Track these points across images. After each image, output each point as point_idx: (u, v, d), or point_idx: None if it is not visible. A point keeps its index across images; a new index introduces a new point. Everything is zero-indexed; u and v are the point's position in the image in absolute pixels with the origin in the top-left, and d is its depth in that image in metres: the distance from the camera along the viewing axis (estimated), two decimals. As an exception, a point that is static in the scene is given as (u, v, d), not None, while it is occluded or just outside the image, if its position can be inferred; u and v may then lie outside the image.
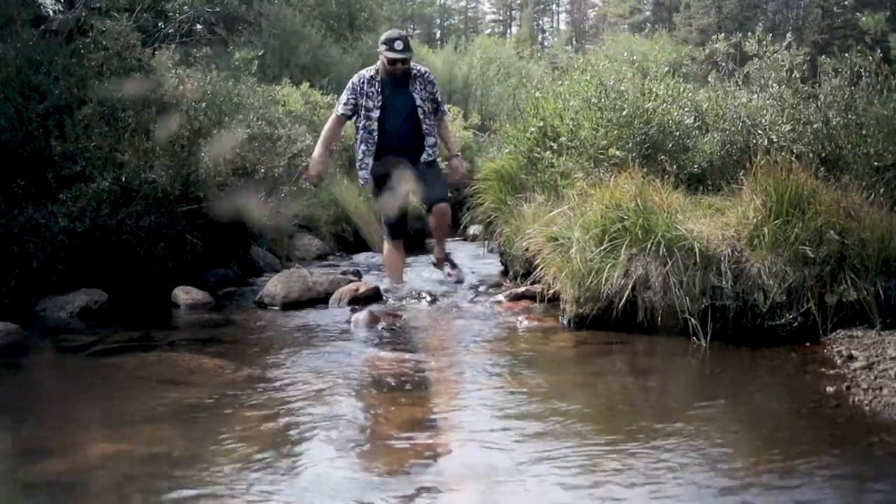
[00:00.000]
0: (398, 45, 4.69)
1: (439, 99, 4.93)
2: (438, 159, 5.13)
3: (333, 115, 4.92)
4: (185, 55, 5.79)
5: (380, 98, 4.76)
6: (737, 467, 2.25)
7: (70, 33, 5.27)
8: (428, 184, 4.79)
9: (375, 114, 4.75)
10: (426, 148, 4.85)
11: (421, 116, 4.81)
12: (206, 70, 5.72)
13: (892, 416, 2.62)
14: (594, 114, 4.88)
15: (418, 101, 4.80)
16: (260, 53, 6.96)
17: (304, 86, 9.65)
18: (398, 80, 4.75)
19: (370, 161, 4.80)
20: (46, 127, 4.72)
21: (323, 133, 4.91)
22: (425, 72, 4.91)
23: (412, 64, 4.86)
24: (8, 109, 4.60)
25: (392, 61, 4.70)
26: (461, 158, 4.99)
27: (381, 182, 4.80)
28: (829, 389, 2.88)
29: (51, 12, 5.88)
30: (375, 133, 4.76)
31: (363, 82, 4.79)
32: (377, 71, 4.79)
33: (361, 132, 4.81)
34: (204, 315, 4.45)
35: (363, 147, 4.81)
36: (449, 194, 5.05)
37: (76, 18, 5.23)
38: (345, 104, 4.82)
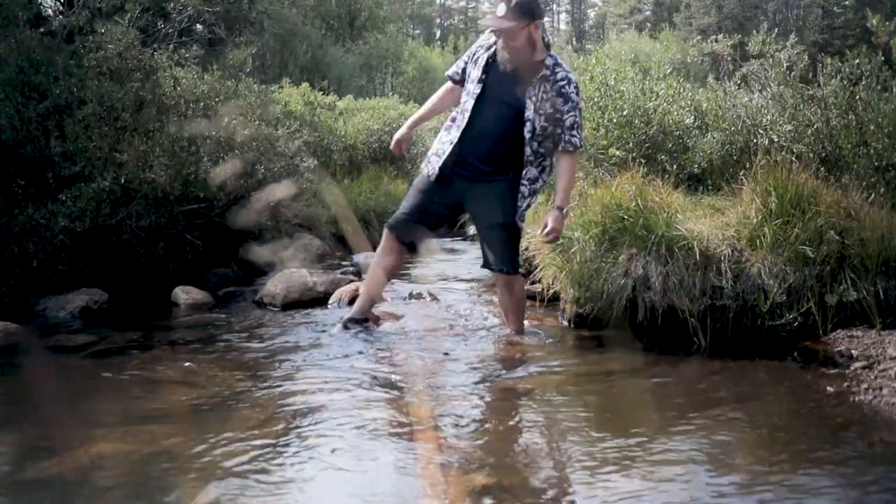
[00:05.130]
0: (499, 7, 3.33)
1: (571, 123, 3.40)
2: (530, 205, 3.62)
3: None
4: (182, 55, 5.79)
5: (484, 75, 3.48)
6: (737, 467, 2.25)
7: (70, 34, 5.27)
8: (488, 241, 3.61)
9: (475, 88, 3.48)
10: (522, 184, 3.47)
11: (527, 135, 3.40)
12: (203, 70, 5.72)
13: (892, 416, 2.62)
14: (594, 114, 4.88)
15: (529, 113, 3.37)
16: (253, 51, 6.94)
17: (304, 86, 9.66)
18: (513, 67, 3.40)
19: (446, 151, 3.54)
20: (46, 127, 4.72)
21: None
22: (565, 79, 3.39)
23: (555, 58, 3.43)
24: (8, 109, 4.60)
25: (494, 31, 3.42)
26: (563, 215, 3.44)
27: (427, 194, 3.64)
28: (830, 389, 2.88)
29: (51, 13, 5.89)
30: (468, 115, 3.49)
31: (479, 46, 3.57)
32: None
33: (454, 112, 3.62)
34: (204, 315, 4.44)
35: (444, 129, 3.65)
36: (517, 263, 3.69)
37: (76, 20, 5.23)
38: (456, 64, 3.69)
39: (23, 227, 4.39)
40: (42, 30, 5.33)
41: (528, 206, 3.57)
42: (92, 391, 3.04)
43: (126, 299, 4.64)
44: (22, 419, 2.72)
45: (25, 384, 3.23)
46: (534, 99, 3.37)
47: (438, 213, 3.71)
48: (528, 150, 3.43)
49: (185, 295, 4.71)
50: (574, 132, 3.42)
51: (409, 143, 3.82)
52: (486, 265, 3.66)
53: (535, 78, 3.38)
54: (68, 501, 2.11)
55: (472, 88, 3.50)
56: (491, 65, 3.48)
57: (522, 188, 3.49)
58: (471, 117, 3.48)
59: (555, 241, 3.54)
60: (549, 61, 3.41)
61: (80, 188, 4.58)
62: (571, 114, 3.39)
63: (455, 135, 3.52)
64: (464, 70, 3.60)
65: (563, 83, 3.39)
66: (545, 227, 3.42)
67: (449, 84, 3.71)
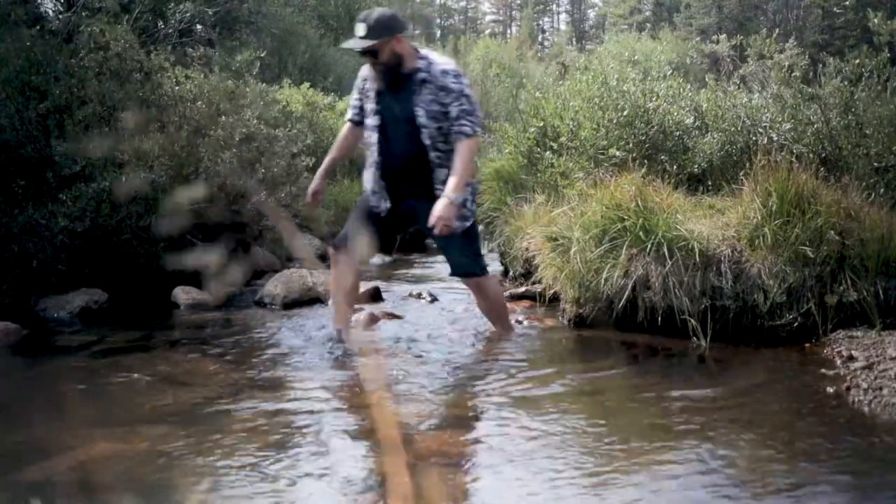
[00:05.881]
0: (358, 28, 3.32)
1: (458, 113, 3.32)
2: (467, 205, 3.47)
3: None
4: (183, 56, 5.79)
5: (378, 105, 3.47)
6: (737, 467, 2.25)
7: (69, 34, 5.27)
8: (447, 251, 3.60)
9: (373, 121, 3.49)
10: (437, 189, 3.38)
11: (427, 141, 3.36)
12: (205, 71, 5.72)
13: (892, 416, 2.62)
14: (595, 113, 4.87)
15: (421, 119, 3.34)
16: (262, 54, 6.94)
17: (305, 86, 9.66)
18: (396, 80, 3.38)
19: (378, 190, 3.52)
20: (46, 127, 4.72)
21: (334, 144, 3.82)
22: (441, 72, 3.35)
23: (429, 59, 3.41)
24: (8, 109, 4.60)
25: (359, 52, 3.39)
26: (451, 203, 3.21)
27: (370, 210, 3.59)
28: (829, 389, 2.88)
29: (50, 13, 5.89)
30: (375, 151, 3.50)
31: (363, 79, 3.55)
32: None
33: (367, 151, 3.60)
34: (204, 315, 4.44)
35: (367, 171, 3.60)
36: (483, 263, 3.63)
37: (75, 19, 5.23)
38: (351, 106, 3.67)
39: (23, 227, 4.39)
40: (41, 28, 5.32)
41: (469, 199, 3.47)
42: (92, 391, 3.04)
43: (126, 299, 4.64)
44: (22, 419, 2.72)
45: (25, 384, 3.23)
46: (422, 105, 3.35)
47: (386, 228, 3.62)
48: (432, 155, 3.39)
49: (185, 295, 4.72)
50: (462, 121, 3.33)
51: (322, 194, 3.73)
52: (454, 273, 3.64)
53: (416, 85, 3.36)
54: (68, 501, 2.11)
55: (372, 122, 3.49)
56: (381, 92, 3.45)
57: (437, 192, 3.35)
58: (383, 150, 3.48)
59: (445, 231, 3.24)
60: (422, 63, 3.38)
61: (80, 188, 4.58)
62: (456, 104, 3.32)
63: (377, 172, 3.51)
64: (361, 108, 3.57)
65: (440, 76, 3.35)
66: (435, 217, 3.20)
67: (349, 125, 3.67)
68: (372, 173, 3.54)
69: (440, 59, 3.44)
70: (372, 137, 3.49)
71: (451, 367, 3.30)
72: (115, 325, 4.14)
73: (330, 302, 3.97)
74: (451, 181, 3.27)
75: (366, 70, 3.52)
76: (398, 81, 3.37)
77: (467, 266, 3.56)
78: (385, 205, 3.53)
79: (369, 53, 3.33)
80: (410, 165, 3.42)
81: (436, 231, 3.23)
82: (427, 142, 3.37)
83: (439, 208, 3.21)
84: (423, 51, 3.48)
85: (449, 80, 3.34)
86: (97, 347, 3.69)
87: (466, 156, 3.34)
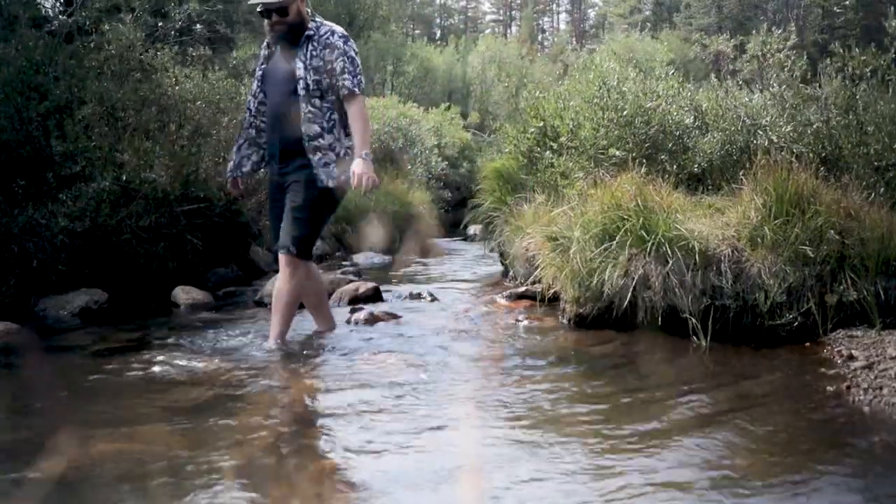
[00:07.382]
0: None
1: (340, 69, 3.41)
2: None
3: None
4: (184, 55, 5.79)
5: (264, 64, 3.62)
6: (737, 468, 2.25)
7: (69, 34, 5.26)
8: (285, 218, 3.51)
9: (254, 86, 3.64)
10: (310, 147, 3.44)
11: (301, 91, 3.41)
12: (206, 70, 5.73)
13: (892, 416, 2.62)
14: (595, 113, 4.87)
15: (300, 72, 3.41)
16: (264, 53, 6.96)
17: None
18: (287, 42, 3.49)
19: (248, 154, 3.68)
20: (46, 127, 4.72)
21: None
22: (329, 31, 3.49)
23: (319, 22, 3.54)
24: (8, 109, 4.60)
25: (261, 13, 3.49)
26: (365, 161, 3.31)
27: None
28: (829, 389, 2.88)
29: (50, 13, 5.89)
30: (253, 115, 3.64)
31: (262, 49, 3.70)
32: None
33: None
34: (204, 315, 4.44)
35: (241, 137, 3.72)
36: (299, 246, 3.46)
37: (76, 20, 5.23)
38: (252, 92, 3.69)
39: (23, 227, 4.39)
40: (42, 28, 5.32)
41: (325, 164, 3.45)
42: (92, 391, 3.04)
43: (126, 299, 4.64)
44: (22, 419, 2.72)
45: (26, 384, 3.23)
46: (303, 58, 3.43)
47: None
48: (306, 107, 3.43)
49: (185, 295, 4.71)
50: (345, 76, 3.42)
51: (242, 179, 3.82)
52: (276, 248, 3.61)
53: (302, 42, 3.46)
54: (68, 501, 2.11)
55: (256, 88, 3.63)
56: (267, 56, 3.61)
57: (304, 144, 3.45)
58: (266, 112, 3.58)
59: (372, 186, 3.34)
60: (312, 25, 3.51)
61: (80, 188, 4.58)
62: (339, 60, 3.42)
63: (264, 142, 3.64)
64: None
65: (327, 35, 3.46)
66: (355, 177, 3.29)
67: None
68: (247, 141, 3.66)
69: (330, 24, 3.57)
70: (252, 104, 3.62)
71: (450, 367, 3.30)
72: (115, 325, 4.14)
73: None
74: (358, 140, 3.38)
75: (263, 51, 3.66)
76: (296, 42, 3.46)
77: (286, 235, 3.46)
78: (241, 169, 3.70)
79: (277, 12, 3.42)
80: (280, 124, 3.48)
81: (363, 189, 3.32)
82: (301, 93, 3.42)
83: (357, 166, 3.30)
84: (317, 17, 3.61)
85: (335, 40, 3.46)
86: (97, 347, 3.69)
87: (360, 113, 3.44)
